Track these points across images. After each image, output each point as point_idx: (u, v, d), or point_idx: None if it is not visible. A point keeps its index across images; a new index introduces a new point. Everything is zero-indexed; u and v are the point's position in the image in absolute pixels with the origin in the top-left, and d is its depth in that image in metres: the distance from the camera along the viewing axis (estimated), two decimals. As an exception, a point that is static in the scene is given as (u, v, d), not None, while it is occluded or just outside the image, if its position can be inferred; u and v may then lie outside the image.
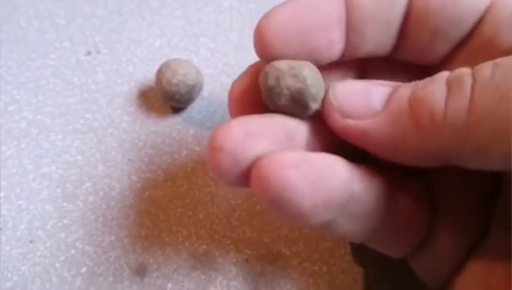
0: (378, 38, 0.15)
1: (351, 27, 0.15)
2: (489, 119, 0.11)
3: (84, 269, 0.20)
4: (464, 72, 0.13)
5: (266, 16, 0.14)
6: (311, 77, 0.14)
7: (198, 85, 0.24)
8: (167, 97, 0.24)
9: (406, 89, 0.13)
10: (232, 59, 0.26)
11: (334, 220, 0.14)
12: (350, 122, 0.13)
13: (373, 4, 0.15)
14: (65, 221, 0.21)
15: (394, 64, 0.17)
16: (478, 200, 0.16)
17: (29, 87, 0.25)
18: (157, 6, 0.28)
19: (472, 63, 0.15)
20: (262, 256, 0.21)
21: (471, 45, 0.15)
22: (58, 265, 0.20)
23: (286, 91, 0.14)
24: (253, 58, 0.15)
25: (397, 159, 0.13)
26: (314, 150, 0.15)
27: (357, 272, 0.21)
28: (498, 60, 0.12)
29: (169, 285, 0.20)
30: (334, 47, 0.15)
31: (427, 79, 0.13)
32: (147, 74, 0.26)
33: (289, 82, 0.14)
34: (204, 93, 0.25)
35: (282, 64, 0.14)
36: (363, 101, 0.13)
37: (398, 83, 0.14)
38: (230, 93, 0.16)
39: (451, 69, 0.14)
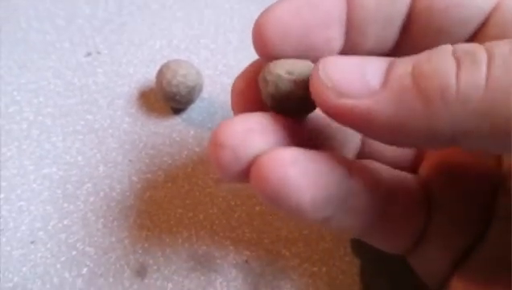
0: (379, 36, 0.15)
1: (352, 25, 0.15)
2: (510, 99, 0.10)
3: (84, 270, 0.20)
4: (475, 46, 0.11)
5: (264, 13, 0.14)
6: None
7: (198, 86, 0.24)
8: (167, 98, 0.24)
9: (406, 64, 0.12)
10: (232, 60, 0.26)
11: (332, 215, 0.14)
12: (347, 101, 0.12)
13: (376, 2, 0.15)
14: (66, 221, 0.21)
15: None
16: (476, 200, 0.16)
17: (29, 88, 0.25)
18: (157, 7, 0.28)
19: None
20: (261, 257, 0.21)
21: None
22: (59, 266, 0.20)
23: (285, 98, 0.14)
24: (254, 59, 0.16)
25: (401, 142, 0.13)
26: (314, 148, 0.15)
27: (356, 273, 0.21)
28: None
29: (169, 286, 0.20)
30: (333, 44, 0.15)
31: (429, 51, 0.12)
32: (148, 75, 0.26)
33: (288, 89, 0.14)
34: (205, 94, 0.25)
35: (280, 70, 0.14)
36: (360, 78, 0.12)
37: (393, 58, 0.13)
38: (233, 88, 0.16)
39: None
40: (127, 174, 0.23)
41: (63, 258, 0.20)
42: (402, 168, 0.16)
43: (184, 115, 0.25)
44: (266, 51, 0.14)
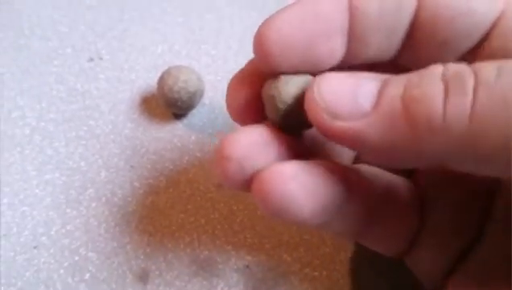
0: (381, 45, 0.15)
1: (354, 34, 0.15)
2: (494, 127, 0.11)
3: (87, 275, 0.20)
4: (464, 70, 0.12)
5: (266, 23, 0.14)
6: None
7: (199, 92, 0.24)
8: (168, 104, 0.24)
9: (397, 86, 0.12)
10: (233, 65, 0.27)
11: (329, 221, 0.14)
12: (340, 123, 0.12)
13: (379, 12, 0.15)
14: (68, 227, 0.22)
15: (401, 68, 0.17)
16: (471, 202, 0.16)
17: (32, 93, 0.25)
18: (159, 13, 0.29)
19: None
20: (262, 262, 0.21)
21: (479, 56, 0.15)
22: (62, 271, 0.20)
23: (289, 115, 0.14)
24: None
25: (391, 163, 0.13)
26: (312, 156, 0.15)
27: (357, 277, 0.21)
28: (502, 63, 0.11)
29: (171, 291, 0.20)
30: (335, 54, 0.15)
31: (420, 73, 0.12)
32: (149, 81, 0.26)
33: (293, 107, 0.14)
34: (206, 99, 0.25)
35: (286, 87, 0.14)
36: (352, 100, 0.12)
37: (387, 75, 0.13)
38: (229, 87, 0.16)
39: None
40: (129, 179, 0.23)
41: (66, 264, 0.21)
42: (397, 171, 0.17)
43: (185, 120, 0.25)
44: (268, 63, 0.14)
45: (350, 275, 0.21)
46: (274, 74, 0.14)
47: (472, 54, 0.15)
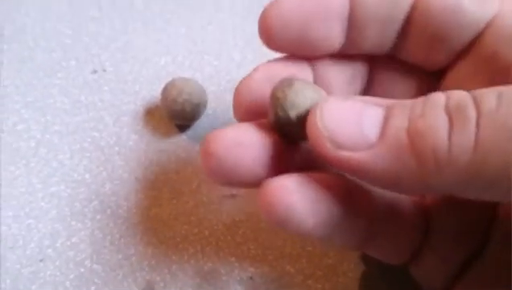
0: (378, 36, 0.16)
1: (352, 23, 0.16)
2: (497, 158, 0.11)
3: (92, 288, 0.21)
4: (466, 100, 0.12)
5: (270, 3, 0.15)
6: None
7: (203, 103, 0.24)
8: (172, 116, 0.24)
9: (402, 117, 0.12)
10: (235, 76, 0.27)
11: (332, 234, 0.15)
12: (344, 153, 0.12)
13: (377, 3, 0.15)
14: (74, 239, 0.22)
15: (401, 63, 0.17)
16: (476, 211, 0.16)
17: (37, 106, 0.26)
18: (162, 24, 0.29)
19: (474, 74, 0.15)
20: (266, 273, 0.21)
21: (472, 56, 0.15)
22: (68, 283, 0.21)
23: (292, 125, 0.14)
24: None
25: (396, 191, 0.13)
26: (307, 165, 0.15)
27: (359, 288, 0.21)
28: (502, 89, 0.12)
29: (176, 303, 0.20)
30: (333, 40, 0.16)
31: (423, 102, 0.12)
32: (153, 92, 0.26)
33: (298, 119, 0.14)
34: (209, 110, 0.26)
35: (295, 97, 0.14)
36: (357, 129, 0.13)
37: (392, 102, 0.13)
38: (237, 92, 0.17)
39: (453, 80, 0.15)
40: (133, 191, 0.23)
41: (71, 276, 0.21)
42: None
43: (189, 132, 0.25)
44: (268, 37, 0.16)
45: (360, 285, 0.21)
46: (290, 78, 0.14)
47: (467, 53, 0.15)
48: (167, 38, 0.28)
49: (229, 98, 0.26)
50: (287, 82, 0.14)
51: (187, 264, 0.21)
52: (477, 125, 0.11)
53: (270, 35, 0.16)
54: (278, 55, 0.17)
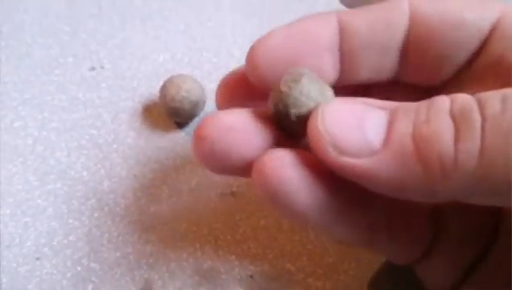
0: (376, 64, 0.15)
1: (345, 54, 0.15)
2: (503, 163, 0.11)
3: (90, 286, 0.20)
4: (470, 104, 0.12)
5: (257, 41, 0.15)
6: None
7: (201, 101, 0.24)
8: (171, 113, 0.24)
9: (407, 122, 0.12)
10: (235, 73, 0.27)
11: (331, 224, 0.14)
12: (348, 160, 0.12)
13: (369, 31, 0.15)
14: (71, 237, 0.21)
15: (401, 85, 0.17)
16: (483, 214, 0.16)
17: (34, 103, 0.25)
18: (160, 21, 0.29)
19: (481, 81, 0.15)
20: (266, 272, 0.21)
21: (479, 64, 0.15)
22: (65, 282, 0.20)
23: (293, 119, 0.14)
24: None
25: (401, 198, 0.13)
26: None
27: (359, 287, 0.21)
28: (506, 93, 0.11)
29: (174, 301, 0.20)
30: (326, 74, 0.15)
31: (427, 106, 0.12)
32: (151, 89, 0.26)
33: (299, 117, 0.14)
34: (208, 107, 0.25)
35: (302, 99, 0.13)
36: (360, 135, 0.12)
37: (396, 104, 0.13)
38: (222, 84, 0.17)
39: (458, 89, 0.14)
40: (131, 189, 0.23)
41: (68, 275, 0.21)
42: None
43: (188, 129, 0.25)
44: (257, 79, 0.15)
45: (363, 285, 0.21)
46: (299, 72, 0.14)
47: (472, 63, 0.15)
48: (166, 35, 0.28)
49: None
50: (295, 76, 0.14)
51: (186, 263, 0.21)
52: (482, 130, 0.11)
53: (257, 73, 0.15)
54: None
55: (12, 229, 0.22)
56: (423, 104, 0.12)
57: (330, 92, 0.14)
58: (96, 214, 0.22)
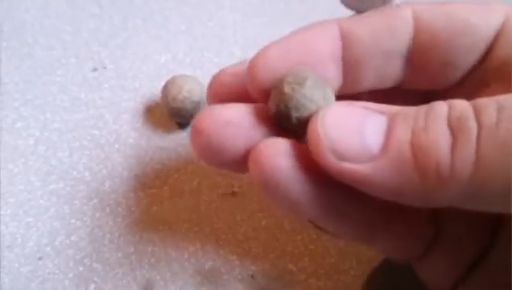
0: (379, 72, 0.15)
1: (347, 63, 0.15)
2: (498, 173, 0.11)
3: (92, 286, 0.20)
4: (467, 111, 0.12)
5: (257, 54, 0.15)
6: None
7: (203, 101, 0.24)
8: (172, 114, 0.24)
9: (405, 128, 0.12)
10: (236, 73, 0.27)
11: (328, 219, 0.14)
12: (346, 165, 0.12)
13: (372, 39, 0.15)
14: (73, 237, 0.22)
15: (405, 91, 0.17)
16: (483, 214, 0.16)
17: (36, 104, 0.25)
18: (162, 21, 0.29)
19: (486, 86, 0.15)
20: (267, 272, 0.21)
21: (485, 69, 0.15)
22: (67, 282, 0.20)
23: (293, 120, 0.14)
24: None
25: (399, 203, 0.13)
26: None
27: (361, 287, 0.21)
28: (502, 102, 0.11)
29: (176, 301, 0.20)
30: (330, 83, 0.15)
31: (425, 112, 0.12)
32: (153, 89, 0.26)
33: (299, 118, 0.14)
34: (209, 108, 0.25)
35: (304, 103, 0.13)
36: (359, 140, 0.12)
37: (396, 109, 0.13)
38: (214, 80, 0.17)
39: (462, 94, 0.14)
40: (133, 189, 0.23)
41: (70, 275, 0.21)
42: None
43: (189, 129, 0.25)
44: (258, 92, 0.15)
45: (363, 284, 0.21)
46: (303, 74, 0.14)
47: (478, 67, 0.15)
48: (167, 35, 0.28)
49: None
50: (299, 78, 0.14)
51: (188, 263, 0.21)
52: (478, 139, 0.11)
53: (257, 86, 0.15)
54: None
55: (14, 230, 0.22)
56: (422, 110, 0.12)
57: (331, 95, 0.14)
58: (98, 214, 0.22)
